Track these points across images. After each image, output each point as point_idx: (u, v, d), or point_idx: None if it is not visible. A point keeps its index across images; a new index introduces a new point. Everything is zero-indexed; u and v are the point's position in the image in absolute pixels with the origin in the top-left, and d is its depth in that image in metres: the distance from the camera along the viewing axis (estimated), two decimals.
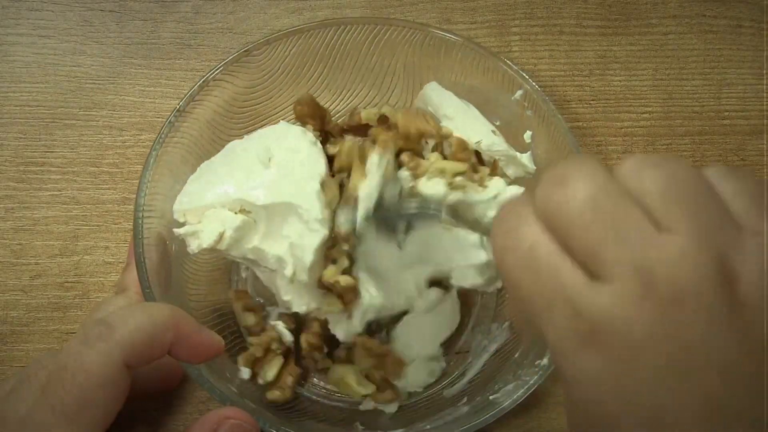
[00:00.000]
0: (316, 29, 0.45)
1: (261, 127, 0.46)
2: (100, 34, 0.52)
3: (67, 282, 0.47)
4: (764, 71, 0.53)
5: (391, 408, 0.43)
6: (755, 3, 0.54)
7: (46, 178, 0.49)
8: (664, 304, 0.21)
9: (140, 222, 0.40)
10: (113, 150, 0.50)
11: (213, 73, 0.43)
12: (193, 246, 0.40)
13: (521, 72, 0.43)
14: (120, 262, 0.47)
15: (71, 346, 0.32)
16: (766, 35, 0.54)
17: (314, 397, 0.45)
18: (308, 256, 0.38)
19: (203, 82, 0.43)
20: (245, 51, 0.44)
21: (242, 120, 0.46)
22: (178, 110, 0.42)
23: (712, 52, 0.53)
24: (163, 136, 0.41)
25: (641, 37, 0.53)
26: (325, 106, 0.46)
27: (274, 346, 0.43)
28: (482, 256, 0.40)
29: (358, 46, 0.46)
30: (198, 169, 0.42)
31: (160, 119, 0.50)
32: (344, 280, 0.38)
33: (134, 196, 0.48)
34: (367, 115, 0.45)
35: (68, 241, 0.48)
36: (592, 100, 0.52)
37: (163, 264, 0.42)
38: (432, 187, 0.39)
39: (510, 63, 0.44)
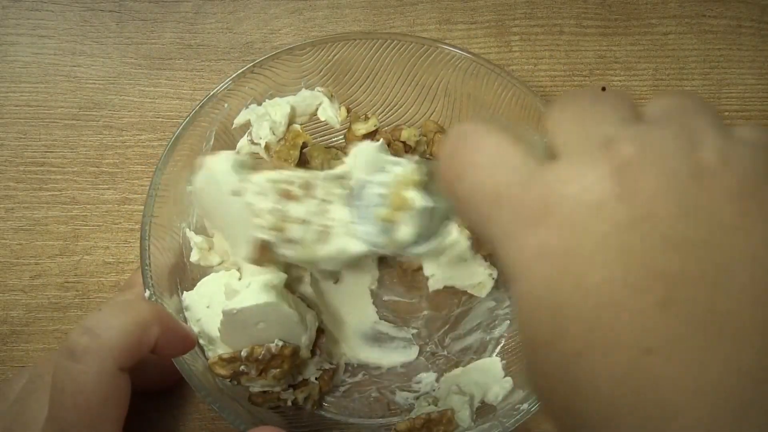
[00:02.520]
0: (362, 39, 0.45)
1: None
2: (100, 34, 0.52)
3: (67, 282, 0.47)
4: (764, 71, 0.53)
5: None
6: (755, 3, 0.54)
7: (46, 178, 0.49)
8: (622, 167, 0.20)
9: (152, 201, 0.40)
10: (113, 150, 0.50)
11: (247, 67, 0.43)
12: (194, 258, 0.41)
13: (528, 87, 0.43)
14: (120, 262, 0.47)
15: (61, 362, 0.31)
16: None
17: (328, 415, 0.45)
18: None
19: (237, 75, 0.43)
20: (288, 49, 0.44)
21: None
22: (211, 96, 0.42)
23: (712, 52, 0.53)
24: (190, 118, 0.41)
25: (641, 37, 0.53)
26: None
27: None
28: (508, 383, 0.43)
29: (402, 62, 0.46)
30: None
31: (160, 119, 0.50)
32: None
33: (135, 196, 0.49)
34: (408, 134, 0.45)
35: (68, 241, 0.48)
36: None
37: (179, 259, 0.42)
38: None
39: (518, 83, 0.43)
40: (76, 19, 0.52)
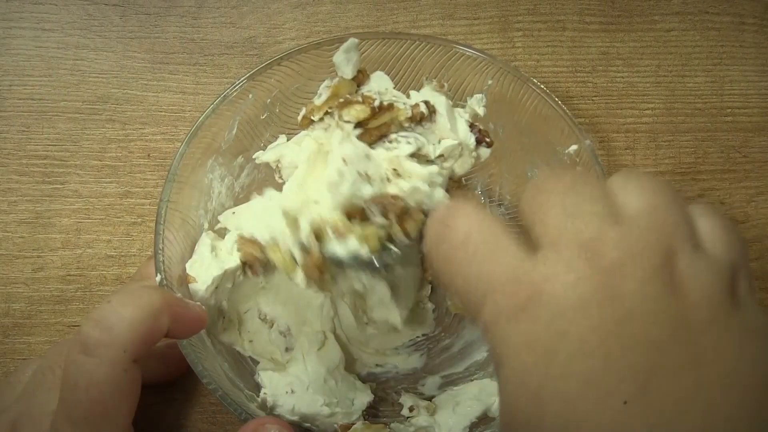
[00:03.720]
0: (391, 39, 0.44)
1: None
2: (104, 28, 0.52)
3: (69, 275, 0.47)
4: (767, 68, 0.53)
5: None
6: (758, 0, 0.54)
7: (49, 171, 0.49)
8: (605, 271, 0.22)
9: (170, 186, 0.40)
10: (116, 143, 0.50)
11: (274, 59, 0.43)
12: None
13: (579, 127, 0.43)
14: (122, 256, 0.48)
15: (73, 356, 0.31)
16: None
17: None
18: None
19: (263, 66, 0.43)
20: (316, 44, 0.44)
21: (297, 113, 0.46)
22: (235, 86, 0.42)
23: (714, 49, 0.53)
24: (214, 106, 0.41)
25: (644, 33, 0.53)
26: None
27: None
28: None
29: (429, 64, 0.45)
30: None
31: (162, 113, 0.50)
32: None
33: (137, 189, 0.49)
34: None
35: (71, 235, 0.48)
36: (595, 96, 0.52)
37: (192, 245, 0.41)
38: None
39: (571, 116, 0.43)
40: (80, 12, 0.52)
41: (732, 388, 0.21)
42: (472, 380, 0.45)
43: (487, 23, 0.53)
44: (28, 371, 0.37)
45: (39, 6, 0.52)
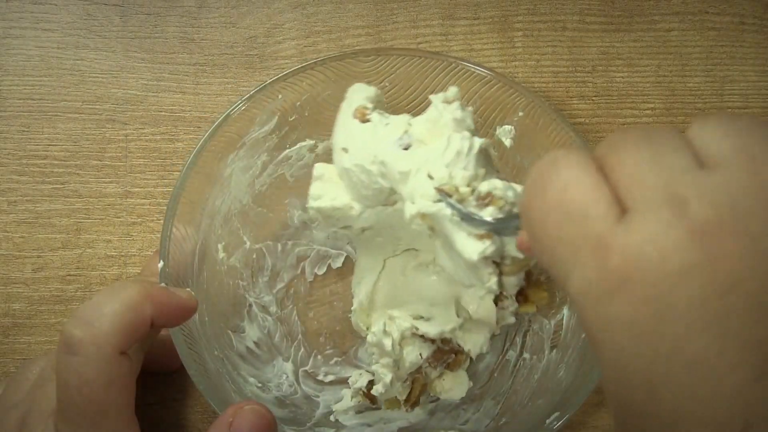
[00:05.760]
0: (427, 58, 0.44)
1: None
2: (104, 28, 0.52)
3: (69, 275, 0.47)
4: (767, 68, 0.53)
5: None
6: (758, 0, 0.54)
7: (49, 171, 0.49)
8: (699, 232, 0.19)
9: (186, 174, 0.40)
10: (116, 144, 0.50)
11: (308, 63, 0.43)
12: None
13: (587, 143, 0.42)
14: (122, 256, 0.48)
15: (60, 356, 0.31)
16: None
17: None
18: None
19: (296, 70, 0.43)
20: (353, 53, 0.44)
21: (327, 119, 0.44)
22: (264, 85, 0.43)
23: (714, 49, 0.53)
24: (242, 102, 0.42)
25: (644, 33, 0.53)
26: None
27: None
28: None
29: (464, 87, 0.44)
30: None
31: (162, 113, 0.50)
32: None
33: (137, 189, 0.49)
34: None
35: (70, 234, 0.48)
36: (595, 96, 0.52)
37: (201, 235, 0.42)
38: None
39: (575, 133, 0.42)
40: (80, 12, 0.52)
41: None
42: None
43: (487, 23, 0.53)
44: (36, 368, 0.37)
45: (39, 6, 0.52)
